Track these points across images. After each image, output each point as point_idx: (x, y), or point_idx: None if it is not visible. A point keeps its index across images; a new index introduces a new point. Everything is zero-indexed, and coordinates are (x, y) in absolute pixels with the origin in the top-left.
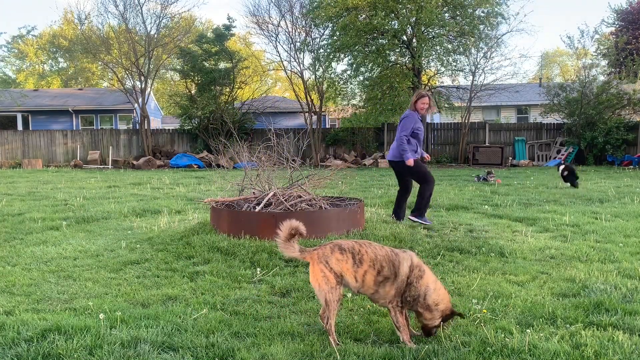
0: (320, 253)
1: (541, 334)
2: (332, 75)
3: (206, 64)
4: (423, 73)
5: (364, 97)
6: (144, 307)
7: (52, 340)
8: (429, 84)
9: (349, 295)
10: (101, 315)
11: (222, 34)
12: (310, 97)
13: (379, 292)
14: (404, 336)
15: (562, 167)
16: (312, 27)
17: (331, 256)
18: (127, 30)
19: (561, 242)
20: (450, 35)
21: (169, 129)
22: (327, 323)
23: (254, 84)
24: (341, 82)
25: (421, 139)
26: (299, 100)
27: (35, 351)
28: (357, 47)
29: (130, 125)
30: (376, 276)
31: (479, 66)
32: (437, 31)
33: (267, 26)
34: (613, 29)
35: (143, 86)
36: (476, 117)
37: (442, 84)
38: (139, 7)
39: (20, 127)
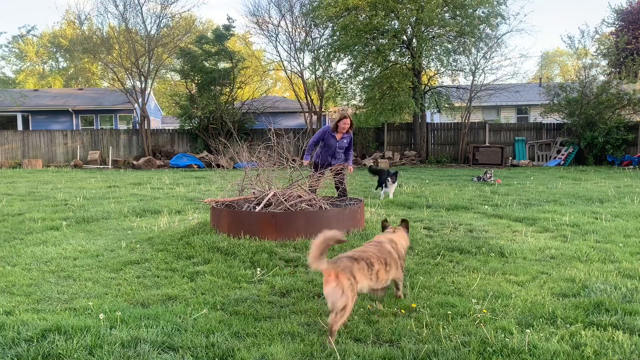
0: (343, 265)
1: (541, 334)
2: (332, 75)
3: (206, 64)
4: (423, 73)
5: (364, 97)
6: (144, 307)
7: (52, 340)
8: (429, 84)
9: None
10: (101, 315)
11: (222, 34)
12: (310, 97)
13: (388, 279)
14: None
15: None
16: (312, 27)
17: (353, 267)
18: (127, 30)
19: (561, 242)
20: (450, 35)
21: (169, 129)
22: (334, 328)
23: (254, 84)
24: (341, 82)
25: (332, 151)
26: (299, 100)
27: (35, 351)
28: (357, 47)
29: (130, 125)
30: (385, 267)
31: (479, 66)
32: (437, 31)
33: (267, 26)
34: (613, 29)
35: (143, 86)
36: (476, 117)
37: (442, 84)
38: (138, 7)
39: (20, 127)
